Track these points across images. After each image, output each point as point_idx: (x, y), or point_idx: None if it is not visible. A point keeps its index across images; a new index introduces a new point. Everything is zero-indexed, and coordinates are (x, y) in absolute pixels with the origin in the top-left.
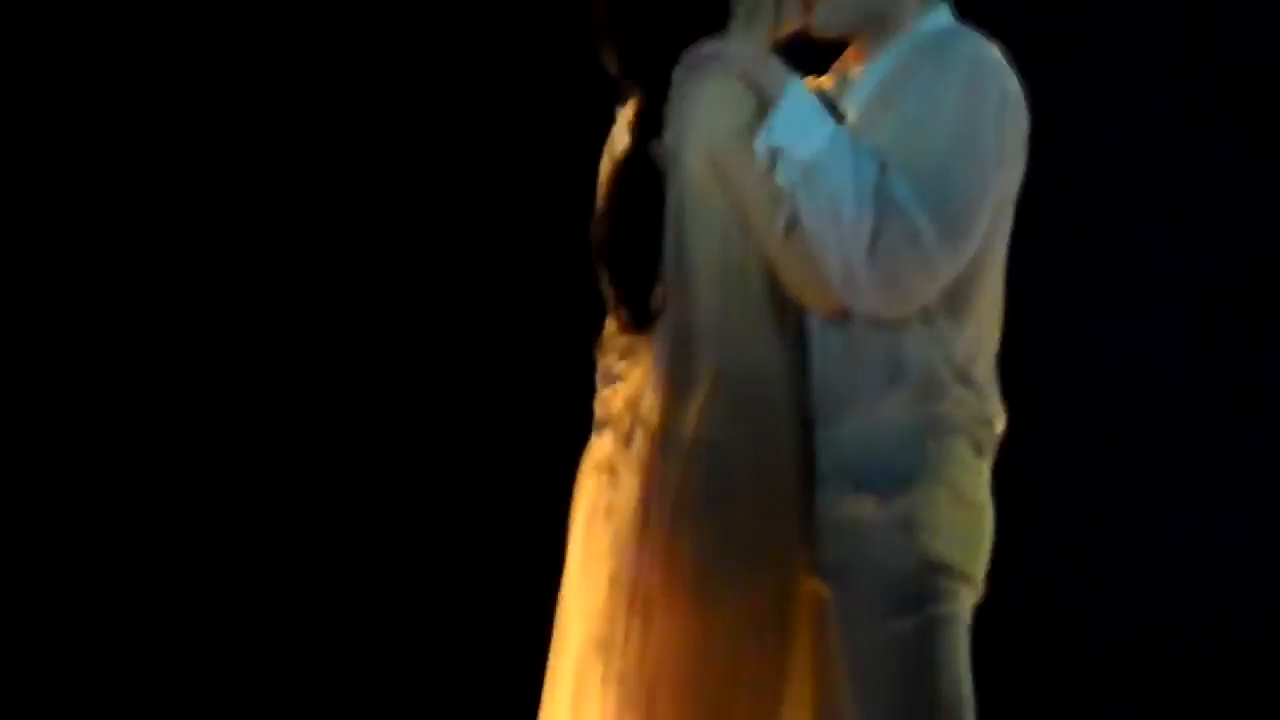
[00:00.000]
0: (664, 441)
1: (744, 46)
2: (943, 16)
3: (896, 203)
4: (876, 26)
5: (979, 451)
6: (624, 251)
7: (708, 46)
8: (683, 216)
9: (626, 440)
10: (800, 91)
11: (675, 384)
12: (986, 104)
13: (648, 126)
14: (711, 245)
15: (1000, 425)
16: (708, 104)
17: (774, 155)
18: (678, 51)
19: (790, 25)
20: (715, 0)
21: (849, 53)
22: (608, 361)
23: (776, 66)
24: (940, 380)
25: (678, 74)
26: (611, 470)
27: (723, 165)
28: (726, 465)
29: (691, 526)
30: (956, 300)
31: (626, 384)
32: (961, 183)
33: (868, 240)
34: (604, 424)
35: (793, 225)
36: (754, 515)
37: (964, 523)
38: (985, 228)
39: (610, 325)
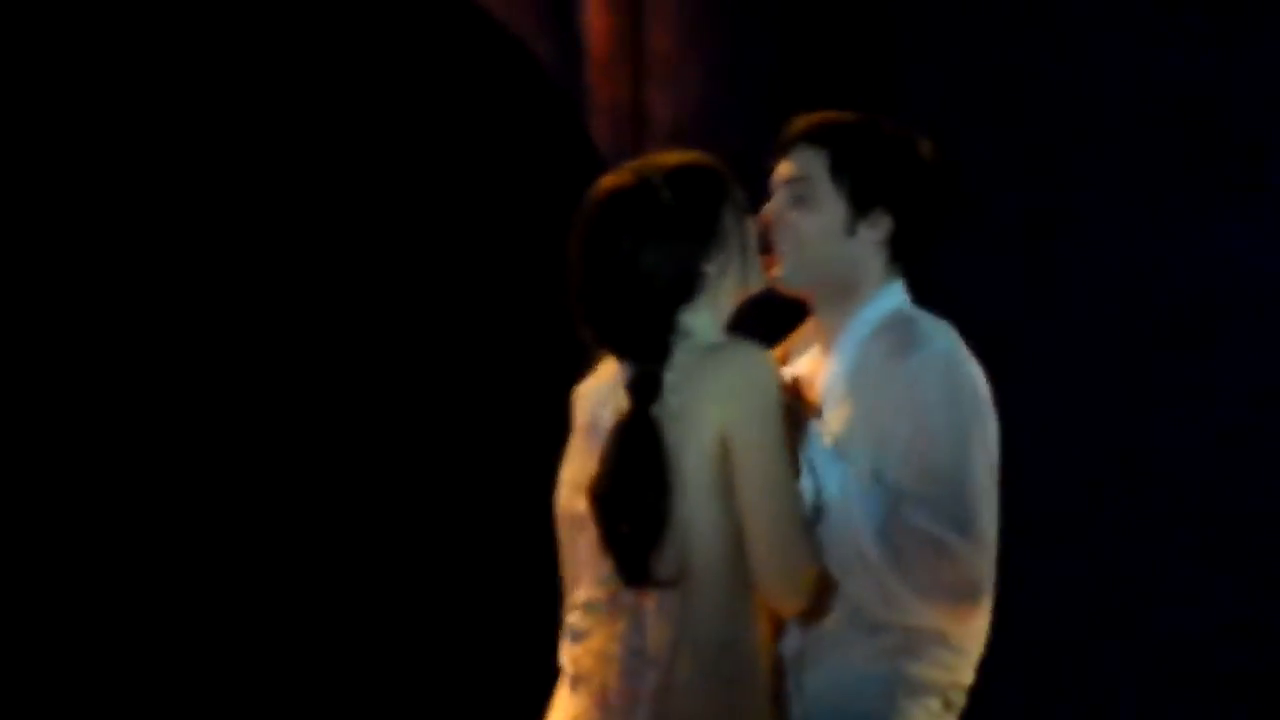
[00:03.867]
0: (654, 709)
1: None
2: (897, 296)
3: (919, 531)
4: (837, 291)
5: (947, 706)
6: (626, 516)
7: (695, 318)
8: (686, 484)
9: (601, 697)
10: (814, 428)
11: (667, 650)
12: (964, 403)
13: (645, 393)
14: (712, 514)
15: (970, 681)
16: (733, 385)
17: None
18: (655, 323)
19: (756, 287)
20: (685, 272)
21: (811, 324)
22: (573, 619)
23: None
24: (918, 643)
25: (686, 347)
26: (585, 695)
27: (736, 447)
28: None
29: None
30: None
31: (595, 640)
32: (970, 486)
33: (898, 574)
34: (577, 681)
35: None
36: None
37: None
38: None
39: (573, 582)
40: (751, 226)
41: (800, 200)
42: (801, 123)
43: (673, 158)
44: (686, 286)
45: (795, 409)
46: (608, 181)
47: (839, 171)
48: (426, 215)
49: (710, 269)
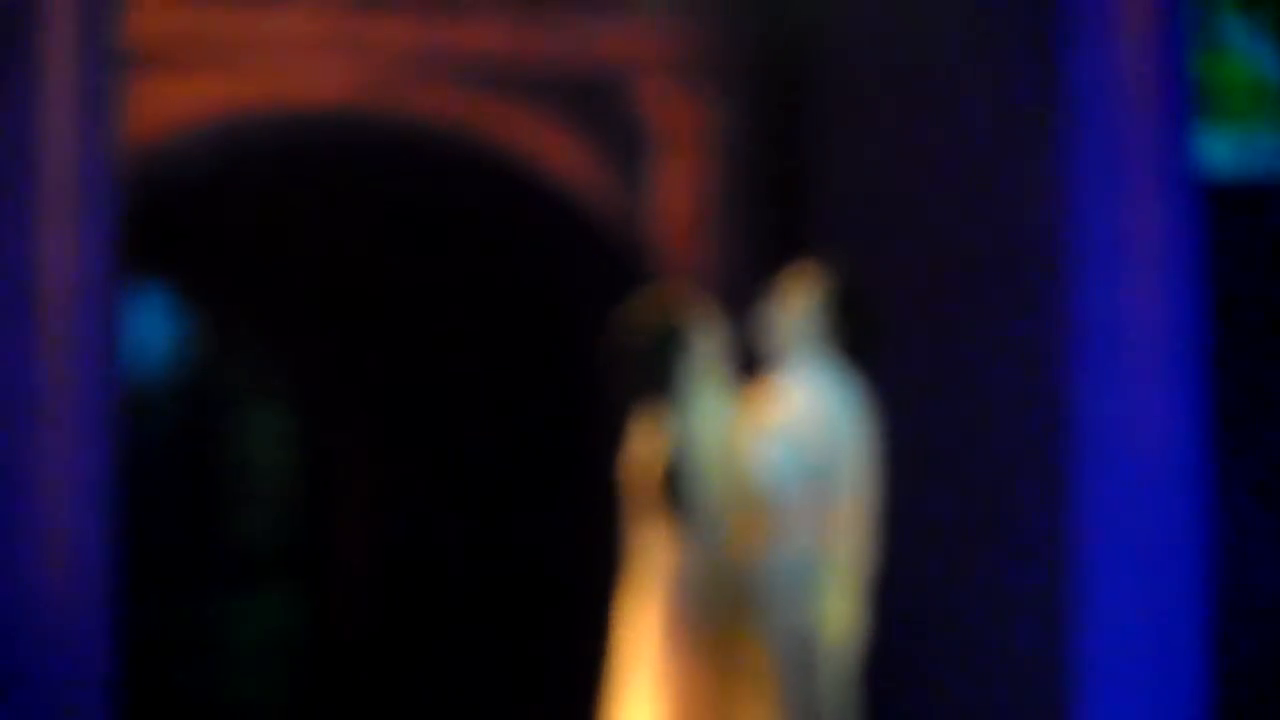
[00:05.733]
0: (673, 578)
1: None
2: (809, 357)
3: (803, 487)
4: (786, 355)
5: (850, 582)
6: (677, 503)
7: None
8: (690, 474)
9: (650, 574)
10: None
11: (677, 549)
12: (827, 418)
13: (675, 438)
14: (702, 484)
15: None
16: (704, 418)
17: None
18: (664, 387)
19: (721, 358)
20: (671, 368)
21: (770, 373)
22: (630, 528)
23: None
24: (828, 546)
25: (680, 395)
26: (636, 589)
27: (716, 452)
28: (705, 594)
29: (690, 623)
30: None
31: (641, 540)
32: (823, 461)
33: (780, 502)
34: (637, 557)
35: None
36: (723, 614)
37: (831, 604)
38: (849, 478)
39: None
40: (709, 328)
41: (799, 299)
42: (824, 265)
43: (660, 307)
44: (677, 372)
45: (754, 420)
46: (621, 334)
47: (826, 297)
48: (558, 325)
49: (692, 358)
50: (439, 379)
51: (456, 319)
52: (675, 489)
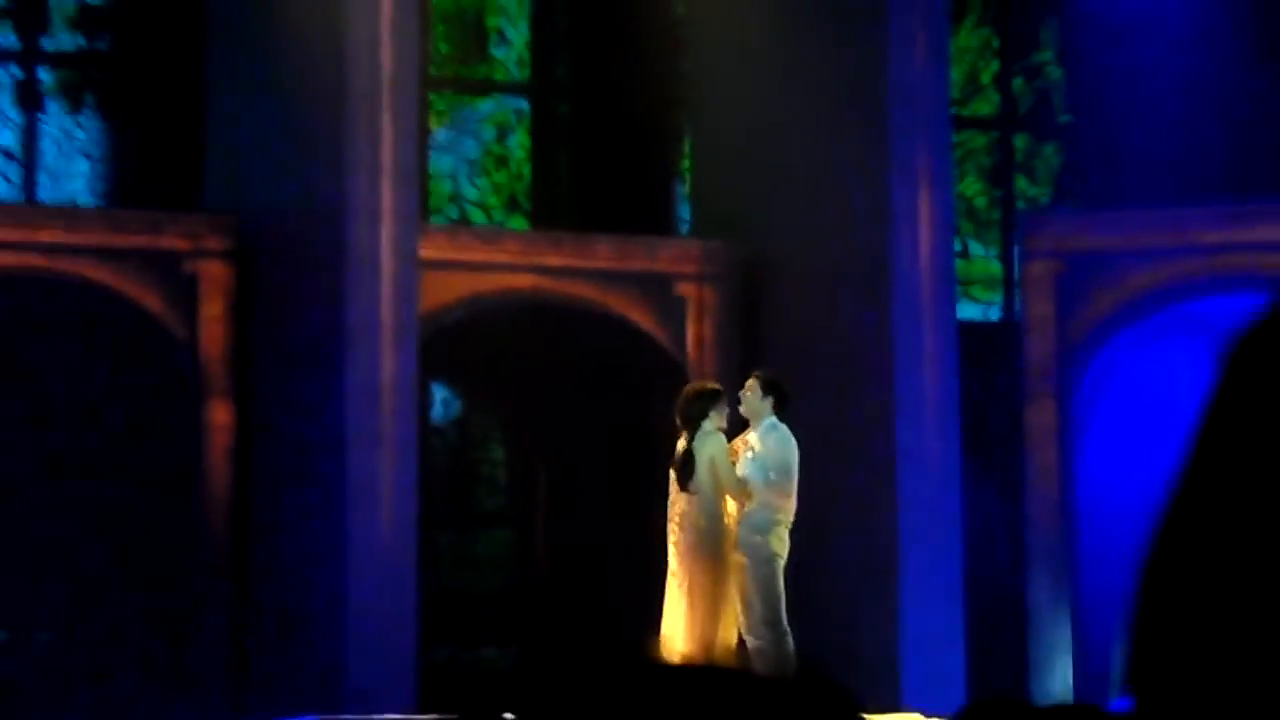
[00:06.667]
0: (692, 528)
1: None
2: (774, 418)
3: (760, 480)
4: (753, 414)
5: (787, 531)
6: (684, 475)
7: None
8: (699, 467)
9: (680, 525)
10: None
11: (694, 512)
12: (782, 449)
13: (689, 443)
14: (708, 479)
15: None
16: (712, 444)
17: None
18: (694, 426)
19: (726, 415)
20: (703, 413)
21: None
22: (670, 500)
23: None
24: (777, 512)
25: (703, 430)
26: (673, 533)
27: (715, 461)
28: (711, 538)
29: (702, 553)
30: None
31: (675, 509)
32: (781, 471)
33: (760, 491)
34: (671, 519)
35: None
36: (719, 548)
37: (779, 543)
38: (788, 476)
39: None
40: (718, 397)
41: (752, 386)
42: (768, 371)
43: (699, 385)
44: (703, 417)
45: (738, 448)
46: (681, 397)
47: (764, 384)
48: (642, 404)
49: (712, 411)
50: (579, 428)
51: (588, 400)
52: (685, 473)
